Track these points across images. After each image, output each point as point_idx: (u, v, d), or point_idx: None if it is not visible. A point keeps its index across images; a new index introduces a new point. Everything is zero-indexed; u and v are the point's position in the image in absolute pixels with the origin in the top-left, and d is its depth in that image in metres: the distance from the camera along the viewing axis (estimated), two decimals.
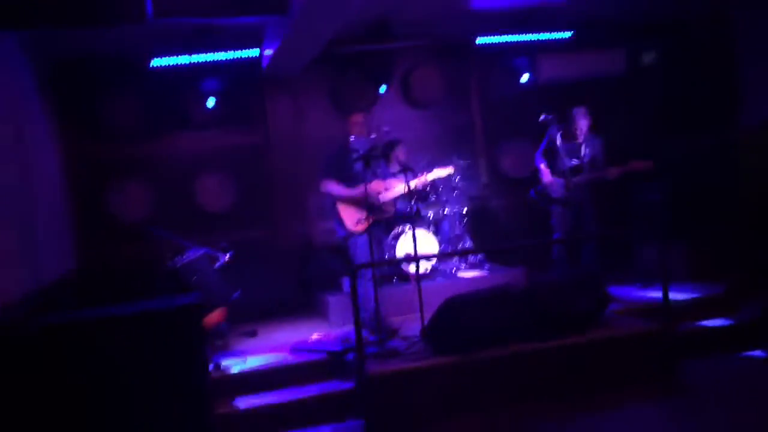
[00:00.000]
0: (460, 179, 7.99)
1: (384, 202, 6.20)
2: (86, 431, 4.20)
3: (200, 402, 4.45)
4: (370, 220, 5.89)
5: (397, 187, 6.23)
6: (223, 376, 5.45)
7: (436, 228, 7.75)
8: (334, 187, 6.08)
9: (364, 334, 5.53)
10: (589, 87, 8.53)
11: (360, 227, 6.01)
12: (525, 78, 8.49)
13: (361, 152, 5.89)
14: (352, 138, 6.08)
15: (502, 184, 8.90)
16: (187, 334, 4.48)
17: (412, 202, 7.33)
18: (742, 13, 8.79)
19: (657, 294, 6.54)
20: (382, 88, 8.15)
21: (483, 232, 8.66)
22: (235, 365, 5.63)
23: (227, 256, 6.12)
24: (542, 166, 7.03)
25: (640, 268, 7.48)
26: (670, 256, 7.31)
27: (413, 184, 6.11)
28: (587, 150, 6.97)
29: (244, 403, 5.20)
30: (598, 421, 4.79)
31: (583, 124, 6.99)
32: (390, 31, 7.81)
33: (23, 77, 6.07)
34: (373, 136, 6.08)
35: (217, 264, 6.07)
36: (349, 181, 6.06)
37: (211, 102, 7.62)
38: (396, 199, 6.38)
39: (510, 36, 8.05)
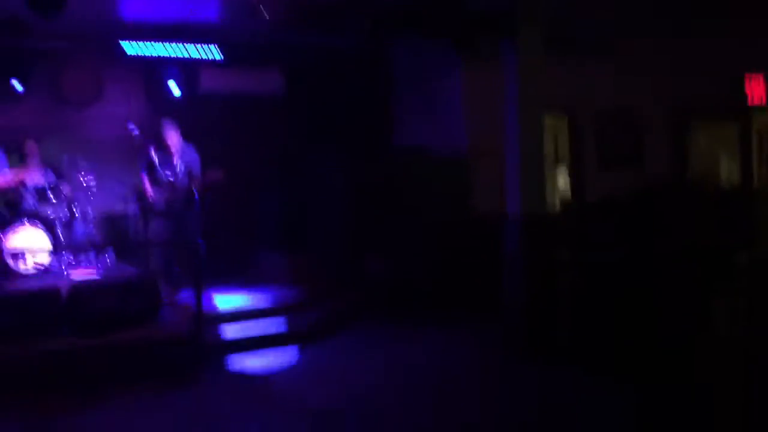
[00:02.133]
0: (95, 185, 8.00)
1: None
2: None
3: None
4: None
5: None
6: None
7: (68, 228, 7.77)
8: None
9: None
10: (250, 102, 9.07)
11: None
12: (177, 91, 8.75)
13: None
14: None
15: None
16: None
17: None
18: (397, 48, 9.72)
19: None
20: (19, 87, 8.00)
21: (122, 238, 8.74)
22: None
23: None
24: (145, 180, 7.20)
25: (253, 274, 8.04)
26: (278, 264, 8.08)
27: None
28: (181, 162, 7.17)
29: None
30: (103, 412, 5.10)
31: (172, 136, 7.17)
32: (28, 28, 7.76)
33: None
34: None
35: None
36: None
37: None
38: None
39: (162, 47, 8.35)
